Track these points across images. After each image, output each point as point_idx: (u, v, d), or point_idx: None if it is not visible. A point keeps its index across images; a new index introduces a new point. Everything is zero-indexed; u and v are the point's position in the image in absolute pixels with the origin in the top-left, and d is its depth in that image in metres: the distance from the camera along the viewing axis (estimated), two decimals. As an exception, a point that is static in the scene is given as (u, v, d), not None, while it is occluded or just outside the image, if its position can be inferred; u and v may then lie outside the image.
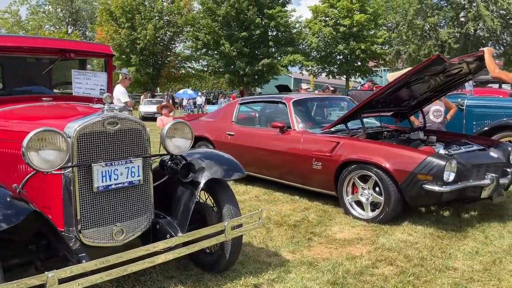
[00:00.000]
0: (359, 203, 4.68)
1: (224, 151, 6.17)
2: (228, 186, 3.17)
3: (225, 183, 3.16)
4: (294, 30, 38.16)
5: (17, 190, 2.39)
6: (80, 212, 2.53)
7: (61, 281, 2.13)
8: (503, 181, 4.39)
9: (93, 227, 2.59)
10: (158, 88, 43.68)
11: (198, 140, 6.72)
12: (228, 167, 3.14)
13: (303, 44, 38.96)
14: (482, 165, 4.35)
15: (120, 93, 8.44)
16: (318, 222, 4.56)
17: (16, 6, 45.40)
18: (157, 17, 36.77)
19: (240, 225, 3.05)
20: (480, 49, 4.42)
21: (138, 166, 2.75)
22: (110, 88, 3.94)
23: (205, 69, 39.97)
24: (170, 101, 30.19)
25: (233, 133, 6.12)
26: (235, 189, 6.01)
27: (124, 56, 36.84)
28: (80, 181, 2.52)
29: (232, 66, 36.83)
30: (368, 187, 4.55)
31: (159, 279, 3.14)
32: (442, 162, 4.01)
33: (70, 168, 2.49)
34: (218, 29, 35.31)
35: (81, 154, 2.52)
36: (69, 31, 47.85)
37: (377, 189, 4.46)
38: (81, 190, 2.52)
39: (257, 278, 3.18)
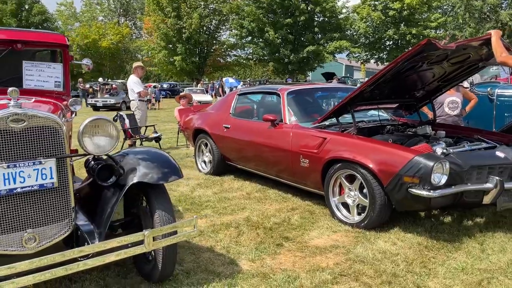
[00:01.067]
0: (347, 205, 4.24)
1: (221, 144, 5.99)
2: (162, 190, 2.86)
3: (160, 186, 2.86)
4: (341, 16, 36.94)
5: None
6: (-21, 218, 2.34)
7: None
8: (510, 185, 3.75)
9: (-3, 234, 2.41)
10: (206, 77, 44.10)
11: (198, 133, 6.49)
12: (162, 169, 2.82)
13: (350, 30, 37.67)
14: (484, 167, 3.74)
15: (133, 83, 8.39)
16: (299, 225, 4.18)
17: (71, -1, 47.36)
18: (202, 6, 36.94)
19: (174, 233, 2.77)
20: (487, 32, 3.79)
21: (51, 168, 2.51)
22: (66, 80, 3.76)
23: (250, 57, 39.80)
24: (220, 89, 30.34)
25: (229, 126, 5.81)
26: (230, 184, 5.74)
27: (170, 46, 37.45)
28: (-22, 185, 2.33)
29: (277, 54, 36.38)
30: (355, 188, 4.09)
31: (91, 287, 2.93)
32: (430, 163, 3.48)
33: (-33, 171, 2.30)
34: (263, 16, 34.93)
35: (-22, 155, 2.32)
36: (121, 21, 49.32)
37: (364, 190, 4.00)
38: (-21, 194, 2.33)
39: (194, 291, 2.89)
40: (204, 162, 6.47)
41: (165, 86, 37.77)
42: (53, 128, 2.53)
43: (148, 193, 2.83)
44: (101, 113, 19.45)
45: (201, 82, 36.10)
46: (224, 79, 32.56)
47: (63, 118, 3.30)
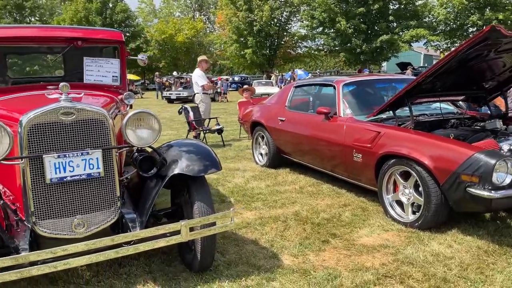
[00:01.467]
0: (402, 204, 4.03)
1: (276, 137, 5.98)
2: (202, 181, 2.91)
3: (200, 178, 2.91)
4: (419, 2, 35.02)
5: None
6: (34, 204, 2.54)
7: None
8: None
9: (49, 219, 2.59)
10: (276, 69, 44.20)
11: (255, 125, 6.53)
12: (201, 162, 2.87)
13: (428, 17, 35.61)
14: (557, 166, 3.36)
15: (198, 77, 8.62)
16: (349, 222, 4.05)
17: (151, -4, 49.74)
18: (273, -2, 36.97)
19: (212, 224, 2.81)
20: None
21: (97, 158, 2.66)
22: (123, 75, 3.94)
23: (321, 48, 39.19)
24: (292, 81, 30.36)
25: (284, 119, 5.78)
26: (285, 178, 5.72)
27: (242, 39, 37.96)
28: (32, 173, 2.52)
29: (348, 44, 35.45)
30: (410, 186, 3.88)
31: (136, 273, 3.07)
32: (491, 161, 3.20)
33: (23, 159, 2.51)
34: (334, 6, 34.13)
35: (32, 145, 2.51)
36: (196, 16, 50.91)
37: (420, 189, 3.78)
38: (33, 182, 2.52)
39: (233, 283, 2.92)
40: (261, 154, 6.51)
41: (236, 79, 38.51)
42: (99, 120, 2.67)
43: (189, 185, 2.90)
44: (175, 105, 20.26)
45: (274, 74, 36.27)
46: (294, 70, 32.44)
47: (116, 111, 3.49)
